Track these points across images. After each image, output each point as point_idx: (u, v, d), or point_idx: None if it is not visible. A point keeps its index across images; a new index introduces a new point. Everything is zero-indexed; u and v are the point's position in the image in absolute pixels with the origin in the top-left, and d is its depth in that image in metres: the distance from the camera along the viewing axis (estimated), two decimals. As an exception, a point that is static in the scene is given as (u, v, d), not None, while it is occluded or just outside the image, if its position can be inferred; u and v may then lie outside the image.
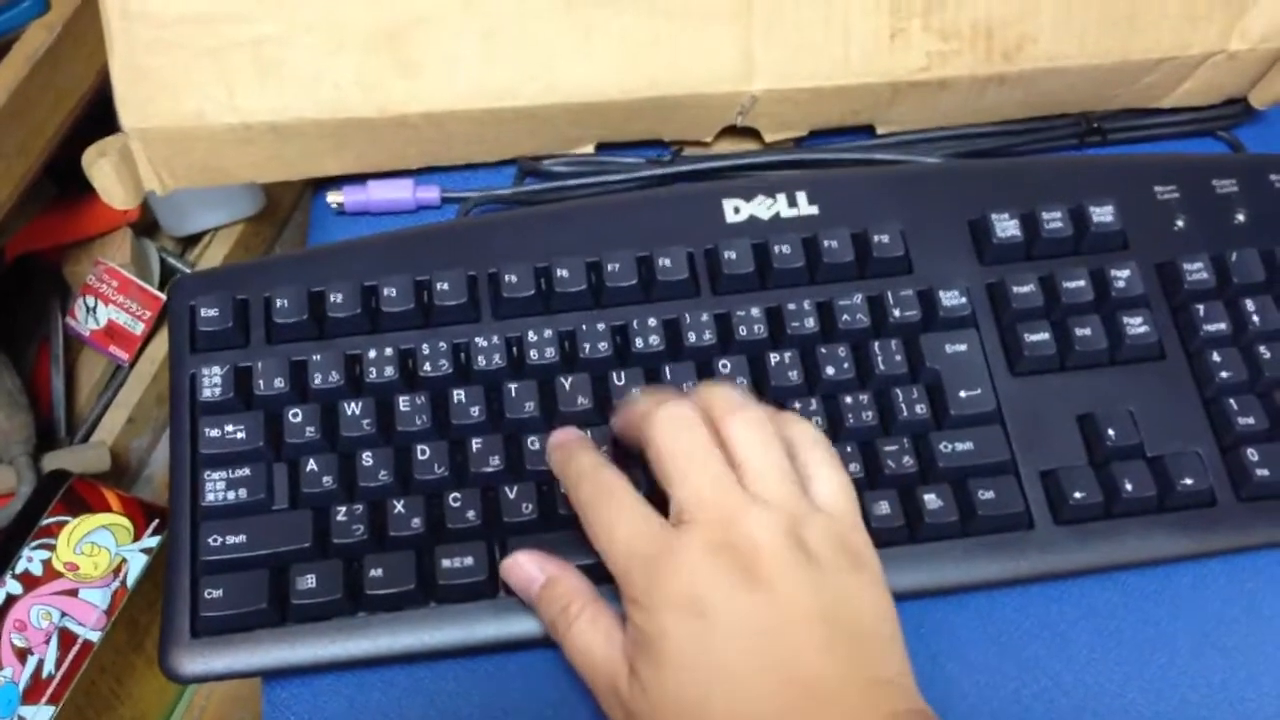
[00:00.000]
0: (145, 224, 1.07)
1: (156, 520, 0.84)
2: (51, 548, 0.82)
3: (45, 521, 0.83)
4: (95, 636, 0.79)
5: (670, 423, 0.39)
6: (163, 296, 1.02)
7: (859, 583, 0.37)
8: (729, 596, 0.35)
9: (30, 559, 0.82)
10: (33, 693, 0.77)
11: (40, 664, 0.78)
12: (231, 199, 1.08)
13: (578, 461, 0.41)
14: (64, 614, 0.80)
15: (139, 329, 1.02)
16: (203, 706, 0.96)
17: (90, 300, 1.01)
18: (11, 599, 0.80)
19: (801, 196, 0.52)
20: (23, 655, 0.78)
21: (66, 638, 0.79)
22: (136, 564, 0.82)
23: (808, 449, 0.41)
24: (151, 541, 0.83)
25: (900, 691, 0.36)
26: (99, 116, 0.84)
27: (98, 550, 0.83)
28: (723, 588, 0.36)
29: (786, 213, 0.51)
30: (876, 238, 0.50)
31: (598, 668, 0.38)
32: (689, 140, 0.56)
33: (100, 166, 0.50)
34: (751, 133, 0.57)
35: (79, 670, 0.78)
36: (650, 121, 0.54)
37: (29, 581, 0.81)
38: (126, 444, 1.03)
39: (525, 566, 0.42)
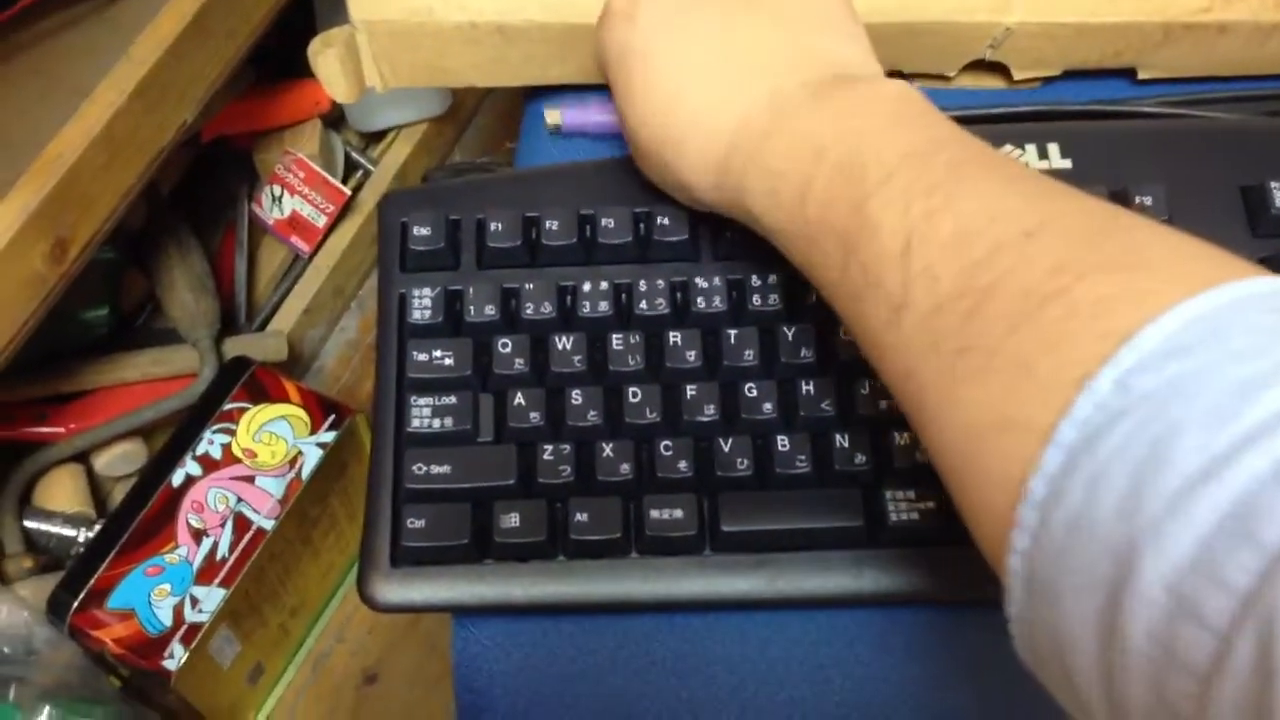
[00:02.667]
0: (332, 117, 1.07)
1: (333, 416, 0.84)
2: (232, 433, 0.84)
3: (226, 406, 0.85)
4: (269, 525, 0.81)
5: None
6: (347, 191, 1.02)
7: None
8: None
9: (211, 442, 0.84)
10: (206, 573, 0.79)
11: (215, 546, 0.80)
12: (419, 97, 1.07)
13: None
14: (240, 499, 0.82)
15: (321, 221, 1.02)
16: (357, 602, 0.98)
17: (277, 189, 1.02)
18: (190, 479, 0.82)
19: (1054, 149, 0.47)
20: (198, 536, 0.80)
21: (241, 523, 0.81)
22: (312, 457, 0.83)
23: None
24: (327, 436, 0.84)
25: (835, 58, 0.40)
26: (301, 5, 0.83)
27: (276, 440, 0.84)
28: None
29: (1036, 164, 0.47)
30: (1138, 199, 0.45)
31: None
32: (931, 74, 0.52)
33: (326, 57, 0.49)
34: (999, 69, 0.52)
35: (251, 556, 0.80)
36: (893, 49, 0.50)
37: (208, 464, 0.83)
38: (301, 334, 1.04)
39: None
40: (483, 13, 0.48)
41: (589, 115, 0.52)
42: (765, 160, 0.37)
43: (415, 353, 0.44)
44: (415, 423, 0.43)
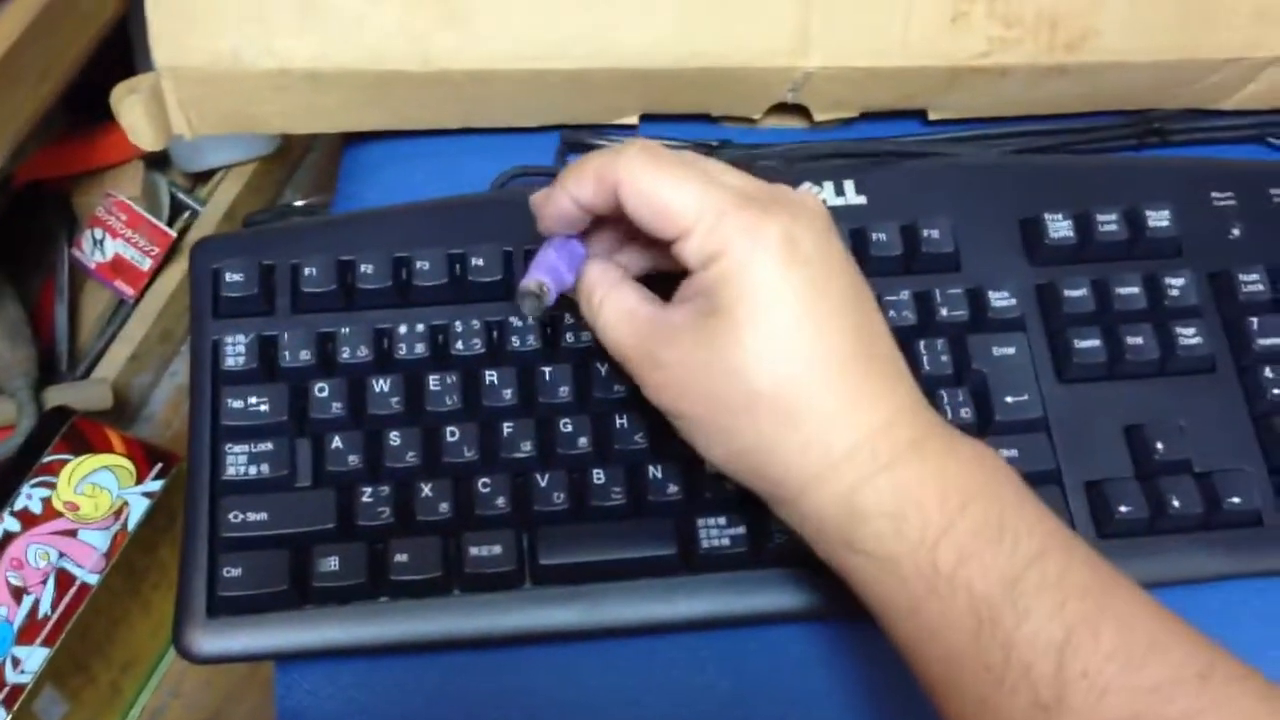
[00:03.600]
0: (157, 157, 1.05)
1: (160, 464, 0.82)
2: (52, 486, 0.81)
3: (46, 459, 0.82)
4: (94, 579, 0.78)
5: (646, 154, 0.36)
6: (172, 233, 1.00)
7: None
8: (824, 246, 0.36)
9: (30, 496, 0.81)
10: (27, 633, 0.76)
11: (36, 604, 0.77)
12: (247, 136, 1.05)
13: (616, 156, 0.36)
14: (62, 554, 0.79)
15: (146, 265, 1.00)
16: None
17: (98, 232, 0.99)
18: (9, 536, 0.79)
19: (850, 185, 0.50)
20: (19, 594, 0.77)
21: (64, 579, 0.78)
22: (138, 508, 0.81)
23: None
24: (154, 485, 0.82)
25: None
26: (118, 45, 0.81)
27: (99, 491, 0.81)
28: (817, 239, 0.35)
29: (834, 201, 0.50)
30: (926, 232, 0.48)
31: (639, 328, 0.37)
32: (737, 116, 0.54)
33: (129, 104, 0.48)
34: (801, 111, 0.55)
35: (75, 613, 0.77)
36: (700, 93, 0.52)
37: (27, 520, 0.80)
38: (128, 381, 1.01)
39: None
40: (293, 59, 0.48)
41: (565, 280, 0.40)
42: (900, 476, 0.34)
43: (230, 400, 0.44)
44: (231, 470, 0.43)
